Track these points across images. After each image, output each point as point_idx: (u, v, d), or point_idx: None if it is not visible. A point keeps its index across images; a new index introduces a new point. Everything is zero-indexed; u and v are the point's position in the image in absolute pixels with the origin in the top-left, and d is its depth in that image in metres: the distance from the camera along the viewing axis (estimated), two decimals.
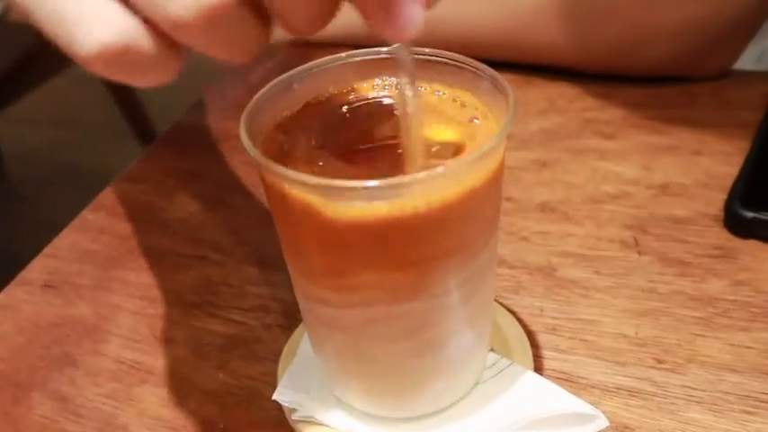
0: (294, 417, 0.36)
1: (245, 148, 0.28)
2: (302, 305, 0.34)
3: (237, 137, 0.29)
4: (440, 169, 0.26)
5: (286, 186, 0.27)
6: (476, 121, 0.31)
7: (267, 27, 0.24)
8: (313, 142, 0.30)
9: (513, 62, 0.63)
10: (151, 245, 0.51)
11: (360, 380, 0.34)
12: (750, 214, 0.44)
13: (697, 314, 0.40)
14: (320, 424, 0.35)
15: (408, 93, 0.27)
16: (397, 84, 0.30)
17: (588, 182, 0.51)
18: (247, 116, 0.29)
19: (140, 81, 0.23)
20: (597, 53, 0.60)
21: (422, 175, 0.25)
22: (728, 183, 0.47)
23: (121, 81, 0.23)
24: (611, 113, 0.58)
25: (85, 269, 0.49)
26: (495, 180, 0.29)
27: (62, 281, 0.48)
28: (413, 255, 0.28)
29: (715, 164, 0.51)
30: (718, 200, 0.47)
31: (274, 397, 0.36)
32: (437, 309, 0.30)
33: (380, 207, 0.26)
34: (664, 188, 0.49)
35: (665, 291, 0.42)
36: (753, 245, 0.44)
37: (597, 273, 0.44)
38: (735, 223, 0.45)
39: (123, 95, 1.82)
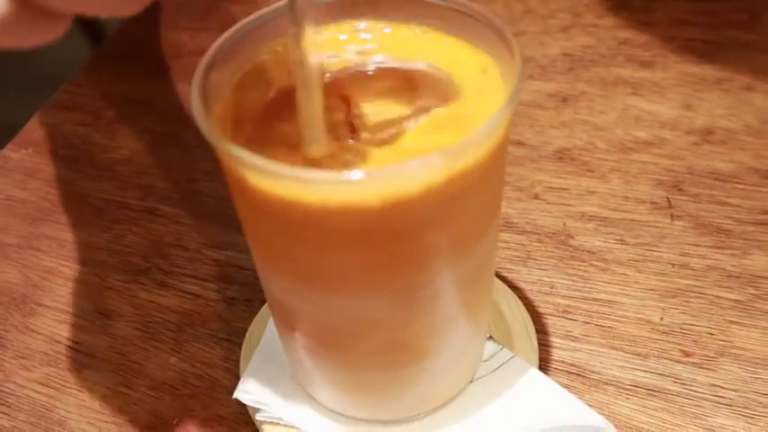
0: (259, 417, 0.38)
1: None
2: (269, 296, 0.35)
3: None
4: (433, 158, 0.26)
5: (255, 177, 0.28)
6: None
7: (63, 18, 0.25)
8: (271, 107, 0.31)
9: None
10: (89, 193, 0.52)
11: (336, 379, 0.36)
12: None
13: (734, 296, 0.42)
14: (289, 426, 0.37)
15: (302, 46, 0.28)
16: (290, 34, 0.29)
17: (617, 124, 0.52)
18: (200, 79, 0.30)
19: (26, 45, 0.25)
20: None
21: (411, 164, 0.26)
22: None
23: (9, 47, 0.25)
24: (650, 34, 0.58)
25: (11, 223, 0.51)
26: (495, 163, 0.30)
27: None
28: (397, 246, 0.29)
29: None
30: None
31: (235, 395, 0.38)
32: (425, 303, 0.32)
33: (365, 196, 0.27)
34: (706, 134, 0.50)
35: (698, 266, 0.44)
36: None
37: (621, 241, 0.45)
38: None
39: None
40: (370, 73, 0.32)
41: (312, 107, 0.28)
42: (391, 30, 0.34)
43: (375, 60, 0.33)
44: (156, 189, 0.52)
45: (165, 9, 0.65)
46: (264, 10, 0.32)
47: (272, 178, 0.27)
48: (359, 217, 0.28)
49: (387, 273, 0.30)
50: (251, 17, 0.32)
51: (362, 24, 0.34)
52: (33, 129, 0.57)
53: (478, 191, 0.30)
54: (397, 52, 0.33)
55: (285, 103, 0.31)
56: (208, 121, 0.28)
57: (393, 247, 0.29)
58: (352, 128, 0.30)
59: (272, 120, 0.31)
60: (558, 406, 0.36)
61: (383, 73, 0.32)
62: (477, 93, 0.31)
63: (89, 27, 1.73)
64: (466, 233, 0.31)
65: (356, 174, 0.26)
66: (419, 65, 0.32)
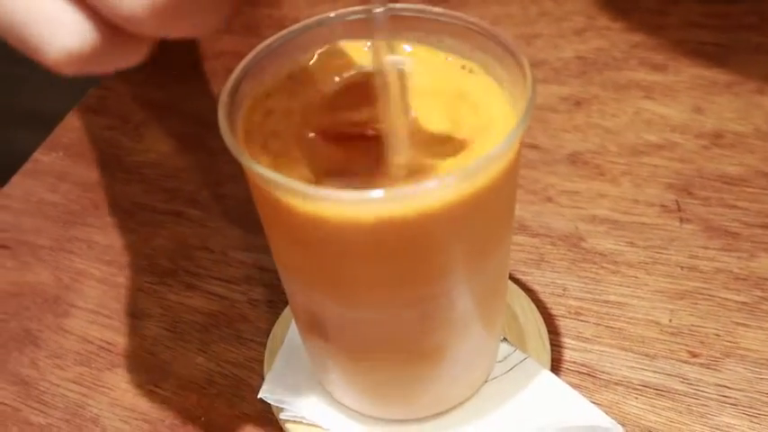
0: (282, 416, 0.39)
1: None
2: (291, 299, 0.37)
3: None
4: (448, 177, 0.28)
5: (277, 193, 0.30)
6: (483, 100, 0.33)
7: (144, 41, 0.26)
8: (300, 122, 0.32)
9: None
10: (118, 196, 0.54)
11: (356, 381, 0.37)
12: None
13: (741, 298, 0.43)
14: (312, 425, 0.39)
15: (387, 62, 0.29)
16: (372, 49, 0.30)
17: (629, 127, 0.53)
18: (228, 94, 0.32)
19: (111, 68, 0.27)
20: None
21: (425, 186, 0.28)
22: None
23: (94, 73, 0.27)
24: (663, 37, 0.59)
25: (43, 226, 0.53)
26: (507, 180, 0.31)
27: (17, 240, 0.52)
28: (410, 261, 0.31)
29: None
30: None
31: (260, 395, 0.39)
32: (438, 315, 0.33)
33: (381, 213, 0.29)
34: (716, 137, 0.52)
35: (707, 268, 0.45)
36: None
37: (631, 244, 0.47)
38: None
39: None
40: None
41: (394, 120, 0.30)
42: (412, 48, 0.35)
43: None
44: (182, 192, 0.53)
45: None
46: (293, 27, 0.34)
47: (299, 197, 0.29)
48: (379, 234, 0.29)
49: (405, 285, 0.32)
50: (276, 36, 0.34)
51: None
52: (63, 133, 0.59)
53: (491, 206, 0.31)
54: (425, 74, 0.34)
55: (311, 116, 0.33)
56: (234, 140, 0.30)
57: (411, 261, 0.31)
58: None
59: (298, 134, 0.32)
60: (568, 407, 0.37)
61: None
62: (491, 109, 0.33)
63: None
64: (480, 246, 0.32)
65: (376, 193, 0.27)
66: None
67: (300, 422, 0.39)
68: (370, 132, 0.32)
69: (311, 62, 0.35)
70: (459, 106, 0.32)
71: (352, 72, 0.35)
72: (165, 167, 0.55)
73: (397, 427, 0.39)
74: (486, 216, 0.31)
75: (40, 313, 0.48)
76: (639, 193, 0.49)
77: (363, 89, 0.34)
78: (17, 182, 0.56)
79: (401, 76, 0.33)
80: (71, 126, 0.59)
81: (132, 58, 0.26)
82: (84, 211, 0.53)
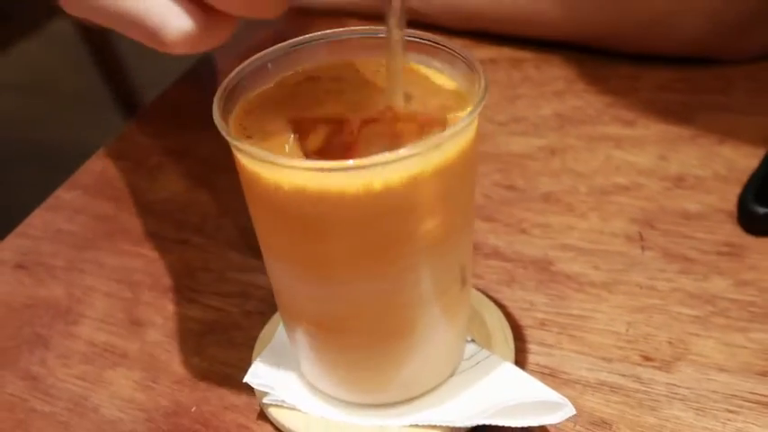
0: (265, 400, 0.43)
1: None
2: (274, 284, 0.41)
3: None
4: (404, 150, 0.32)
5: (257, 167, 0.34)
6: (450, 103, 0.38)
7: (232, 20, 0.32)
8: (283, 123, 0.37)
9: (532, 38, 0.70)
10: (130, 226, 0.58)
11: (329, 363, 0.41)
12: (763, 210, 0.50)
13: (694, 312, 0.47)
14: (291, 408, 0.42)
15: (395, 30, 0.35)
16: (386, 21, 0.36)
17: (599, 172, 0.58)
18: (221, 96, 0.37)
19: (210, 46, 0.33)
20: (624, 29, 0.67)
21: (387, 155, 0.32)
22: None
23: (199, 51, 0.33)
24: (634, 98, 0.64)
25: (60, 250, 0.57)
26: (465, 164, 0.36)
27: (35, 261, 0.56)
28: (381, 233, 0.35)
29: (738, 156, 0.57)
30: (734, 195, 0.54)
31: (245, 379, 0.43)
32: (405, 291, 0.37)
33: (352, 185, 0.33)
34: (678, 180, 0.56)
35: (664, 288, 0.49)
36: (764, 243, 0.50)
37: (595, 268, 0.50)
38: (747, 219, 0.51)
39: (106, 60, 1.91)
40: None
41: (395, 66, 0.35)
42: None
43: None
44: (188, 223, 0.58)
45: (203, 73, 0.73)
46: (285, 43, 0.39)
47: (274, 169, 0.33)
48: (349, 203, 0.34)
49: (371, 257, 0.36)
50: (271, 49, 0.39)
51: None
52: (84, 174, 0.64)
53: (453, 182, 0.36)
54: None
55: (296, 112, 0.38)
56: (223, 122, 0.35)
57: (378, 232, 0.35)
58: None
59: (284, 126, 0.37)
60: (523, 387, 0.40)
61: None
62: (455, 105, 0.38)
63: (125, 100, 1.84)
64: (443, 224, 0.37)
65: (348, 163, 0.32)
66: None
67: (281, 406, 0.43)
68: (350, 124, 0.37)
69: (295, 76, 0.40)
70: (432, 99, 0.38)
71: (334, 82, 0.40)
72: (175, 203, 0.60)
73: (369, 411, 0.42)
74: (447, 192, 0.36)
75: (52, 321, 0.52)
76: (606, 226, 0.53)
77: (342, 95, 0.39)
78: (38, 214, 0.61)
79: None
80: (91, 168, 0.65)
81: (224, 35, 0.33)
82: (97, 239, 0.58)
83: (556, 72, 0.68)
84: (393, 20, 0.35)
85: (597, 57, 0.69)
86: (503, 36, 0.72)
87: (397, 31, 0.35)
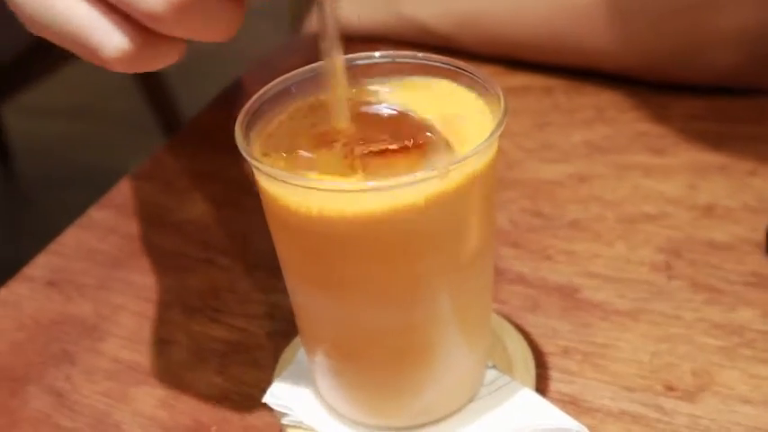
0: (284, 421, 0.43)
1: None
2: (294, 306, 0.41)
3: None
4: (421, 173, 0.33)
5: (277, 189, 0.35)
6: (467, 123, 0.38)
7: (239, 7, 0.32)
8: (306, 146, 0.38)
9: (564, 66, 0.70)
10: (158, 246, 0.59)
11: (347, 386, 0.41)
12: None
13: (719, 343, 0.46)
14: (310, 430, 0.42)
15: (330, 47, 0.35)
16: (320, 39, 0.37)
17: (627, 200, 0.57)
18: (243, 119, 0.37)
19: (156, 66, 0.33)
20: (656, 58, 0.67)
21: (414, 176, 0.32)
22: None
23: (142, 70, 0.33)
24: (665, 127, 0.64)
25: (90, 268, 0.58)
26: (484, 187, 0.36)
27: (65, 279, 0.57)
28: (399, 256, 0.35)
29: None
30: (763, 225, 0.53)
31: (264, 399, 0.43)
32: (424, 315, 0.37)
33: (371, 206, 0.33)
34: (707, 210, 0.55)
35: (690, 318, 0.48)
36: None
37: (620, 296, 0.50)
38: None
39: (148, 83, 1.93)
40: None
41: (339, 90, 0.36)
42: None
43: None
44: (214, 244, 0.58)
45: (235, 97, 0.74)
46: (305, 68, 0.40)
47: (288, 188, 0.34)
48: (368, 224, 0.34)
49: (392, 282, 0.36)
50: (278, 79, 0.40)
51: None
52: (115, 194, 0.65)
53: (470, 206, 0.36)
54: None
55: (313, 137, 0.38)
56: (245, 143, 0.35)
57: (395, 255, 0.35)
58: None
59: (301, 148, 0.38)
60: (540, 413, 0.40)
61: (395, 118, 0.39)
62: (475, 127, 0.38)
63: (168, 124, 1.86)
64: (461, 251, 0.37)
65: (367, 184, 0.32)
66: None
67: (299, 427, 0.43)
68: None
69: (317, 101, 0.41)
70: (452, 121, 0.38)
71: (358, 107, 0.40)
72: (202, 223, 0.61)
73: None
74: (467, 214, 0.36)
75: (79, 337, 0.52)
76: (632, 254, 0.53)
77: (367, 119, 0.39)
78: (70, 233, 0.62)
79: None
80: (123, 189, 0.65)
81: (170, 56, 0.33)
82: (126, 258, 0.58)
83: (586, 100, 0.68)
84: (326, 43, 0.35)
85: (628, 85, 0.68)
86: (535, 64, 0.72)
87: (335, 54, 0.35)
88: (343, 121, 0.36)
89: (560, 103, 0.68)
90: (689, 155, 0.61)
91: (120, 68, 0.32)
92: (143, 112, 1.99)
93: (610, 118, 0.66)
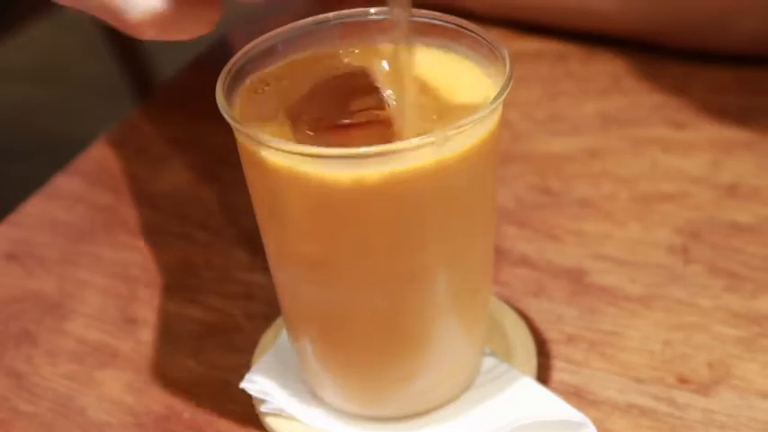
0: (263, 409, 0.44)
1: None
2: (276, 285, 0.42)
3: None
4: (417, 140, 0.33)
5: (264, 153, 0.35)
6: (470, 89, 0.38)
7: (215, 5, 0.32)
8: (294, 107, 0.38)
9: (579, 30, 0.70)
10: (130, 219, 0.60)
11: (333, 373, 0.42)
12: None
13: (738, 333, 0.47)
14: (290, 418, 0.43)
15: (403, 52, 0.35)
16: (392, 40, 0.37)
17: (643, 177, 0.58)
18: (226, 76, 0.38)
19: (186, 35, 0.33)
20: (678, 24, 0.67)
21: (410, 142, 0.33)
22: None
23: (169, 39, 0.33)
24: (687, 98, 0.65)
25: (54, 241, 0.58)
26: (483, 159, 0.36)
27: (27, 252, 0.58)
28: (389, 229, 0.36)
29: None
30: None
31: (242, 385, 0.44)
32: (416, 296, 0.38)
33: (366, 175, 0.34)
34: (731, 189, 0.56)
35: (707, 305, 0.49)
36: None
37: (632, 280, 0.51)
38: None
39: (120, 44, 1.92)
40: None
41: (403, 98, 0.36)
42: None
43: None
44: (192, 218, 0.59)
45: (215, 57, 0.75)
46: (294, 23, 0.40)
47: (279, 155, 0.34)
48: (361, 192, 0.34)
49: (385, 257, 0.37)
50: (278, 30, 0.40)
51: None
52: (84, 161, 0.65)
53: (469, 177, 0.36)
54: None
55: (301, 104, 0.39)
56: (227, 105, 0.36)
57: (385, 227, 0.36)
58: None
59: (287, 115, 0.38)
60: (542, 403, 0.41)
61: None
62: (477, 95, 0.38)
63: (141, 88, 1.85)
64: (458, 225, 0.37)
65: (360, 150, 0.33)
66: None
67: (279, 415, 0.43)
68: (365, 118, 0.38)
69: (305, 59, 0.41)
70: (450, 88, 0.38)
71: (344, 68, 0.41)
72: (178, 196, 0.61)
73: (374, 425, 0.43)
74: (463, 188, 0.36)
75: (42, 316, 0.53)
76: (647, 235, 0.54)
77: (353, 83, 0.40)
78: (34, 202, 0.62)
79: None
80: (92, 156, 0.66)
81: (205, 22, 0.33)
82: (94, 231, 0.59)
83: (602, 68, 0.69)
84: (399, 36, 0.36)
85: (647, 53, 0.69)
86: (550, 29, 0.72)
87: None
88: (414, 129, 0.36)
89: (574, 71, 0.68)
90: (712, 129, 0.61)
91: (149, 34, 0.32)
92: (113, 75, 1.98)
93: (627, 87, 0.66)
